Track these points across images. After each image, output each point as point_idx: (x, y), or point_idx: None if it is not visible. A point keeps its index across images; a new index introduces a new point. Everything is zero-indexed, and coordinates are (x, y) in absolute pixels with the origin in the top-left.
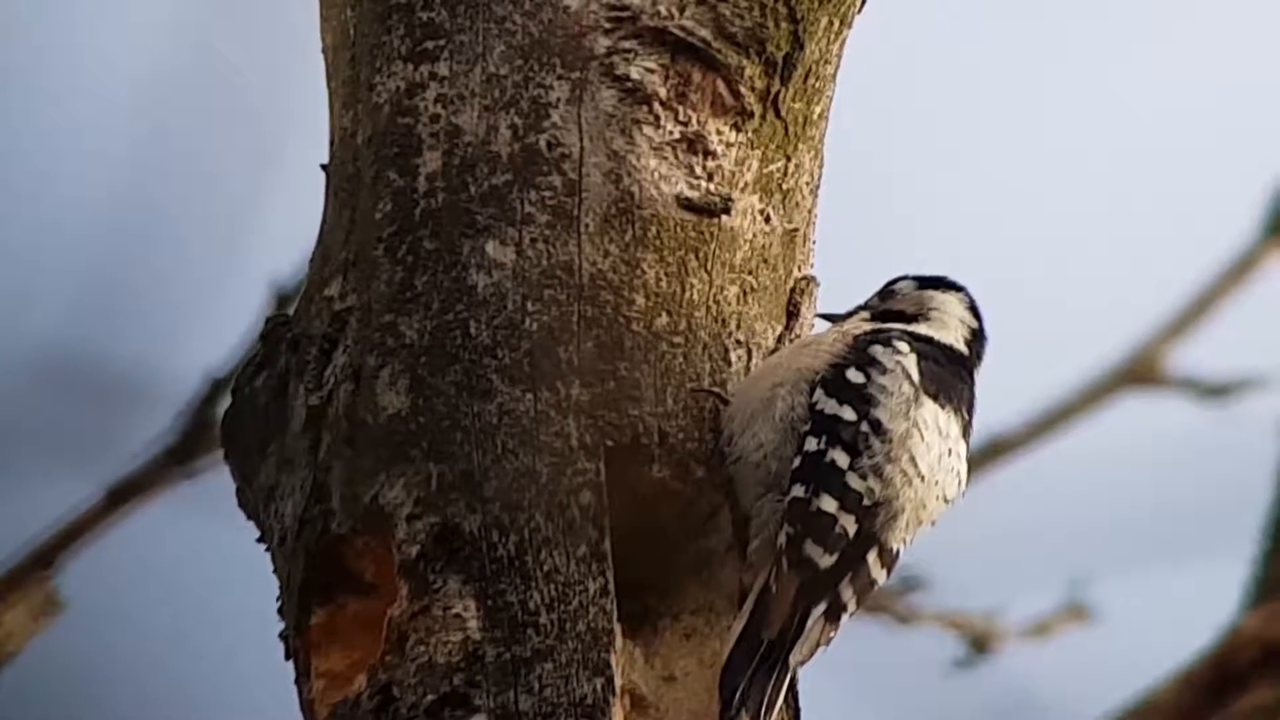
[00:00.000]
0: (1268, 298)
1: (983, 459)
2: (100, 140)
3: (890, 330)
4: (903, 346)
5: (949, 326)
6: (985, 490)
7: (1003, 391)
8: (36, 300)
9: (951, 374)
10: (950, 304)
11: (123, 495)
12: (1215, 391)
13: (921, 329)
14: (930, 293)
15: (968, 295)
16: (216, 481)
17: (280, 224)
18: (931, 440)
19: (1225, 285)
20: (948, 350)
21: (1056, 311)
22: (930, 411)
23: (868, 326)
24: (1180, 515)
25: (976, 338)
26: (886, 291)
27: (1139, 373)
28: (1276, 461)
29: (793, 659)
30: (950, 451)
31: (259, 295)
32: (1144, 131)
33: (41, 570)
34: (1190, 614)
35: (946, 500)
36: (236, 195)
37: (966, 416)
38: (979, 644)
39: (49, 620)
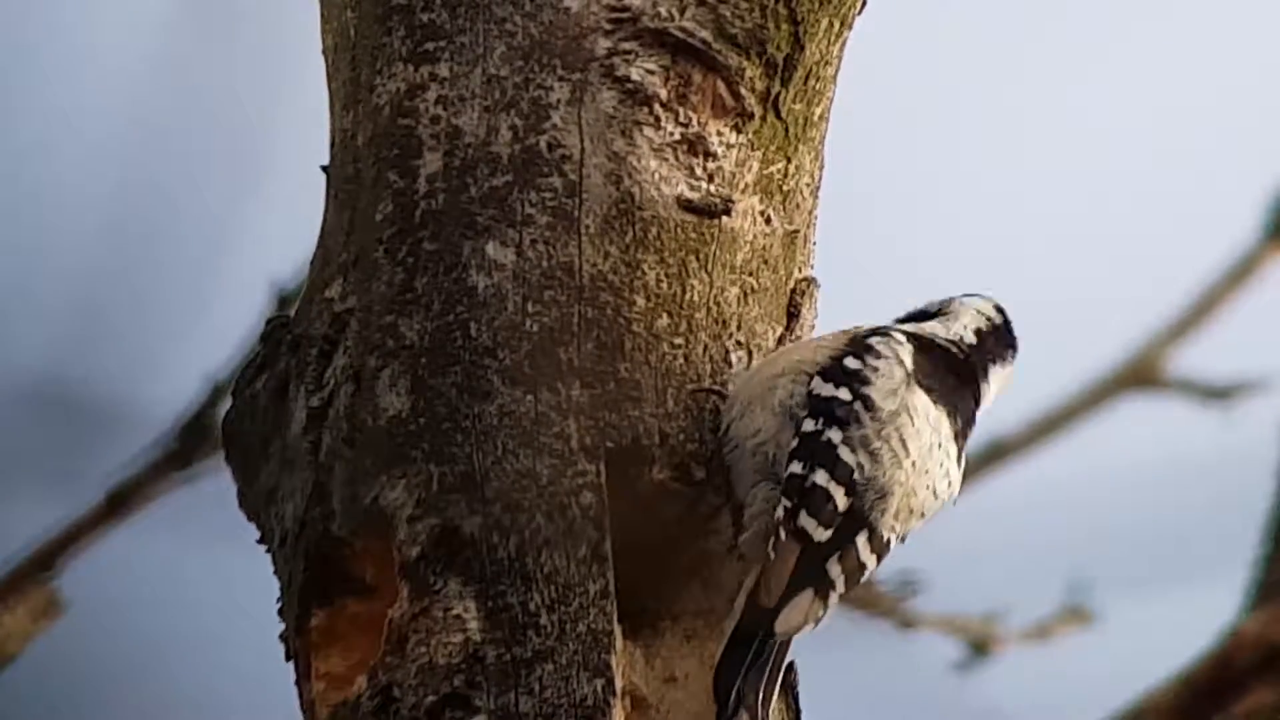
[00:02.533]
0: (1269, 300)
1: (983, 462)
2: (95, 143)
3: (890, 327)
4: (900, 337)
5: (961, 318)
6: (985, 493)
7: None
8: (29, 309)
9: (953, 383)
10: (973, 301)
11: (122, 498)
12: (1216, 394)
13: (929, 325)
14: (962, 296)
15: (999, 304)
16: (216, 485)
17: (278, 227)
18: (921, 427)
19: (1226, 287)
20: (949, 355)
21: (1057, 314)
22: (921, 400)
23: (871, 325)
24: (1181, 518)
25: (995, 330)
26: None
27: (1140, 375)
28: (1278, 464)
29: (779, 627)
30: (940, 446)
31: (256, 300)
32: (1145, 133)
33: (42, 573)
34: (1191, 617)
35: (936, 495)
36: (234, 198)
37: (960, 424)
38: (979, 648)
39: (49, 622)
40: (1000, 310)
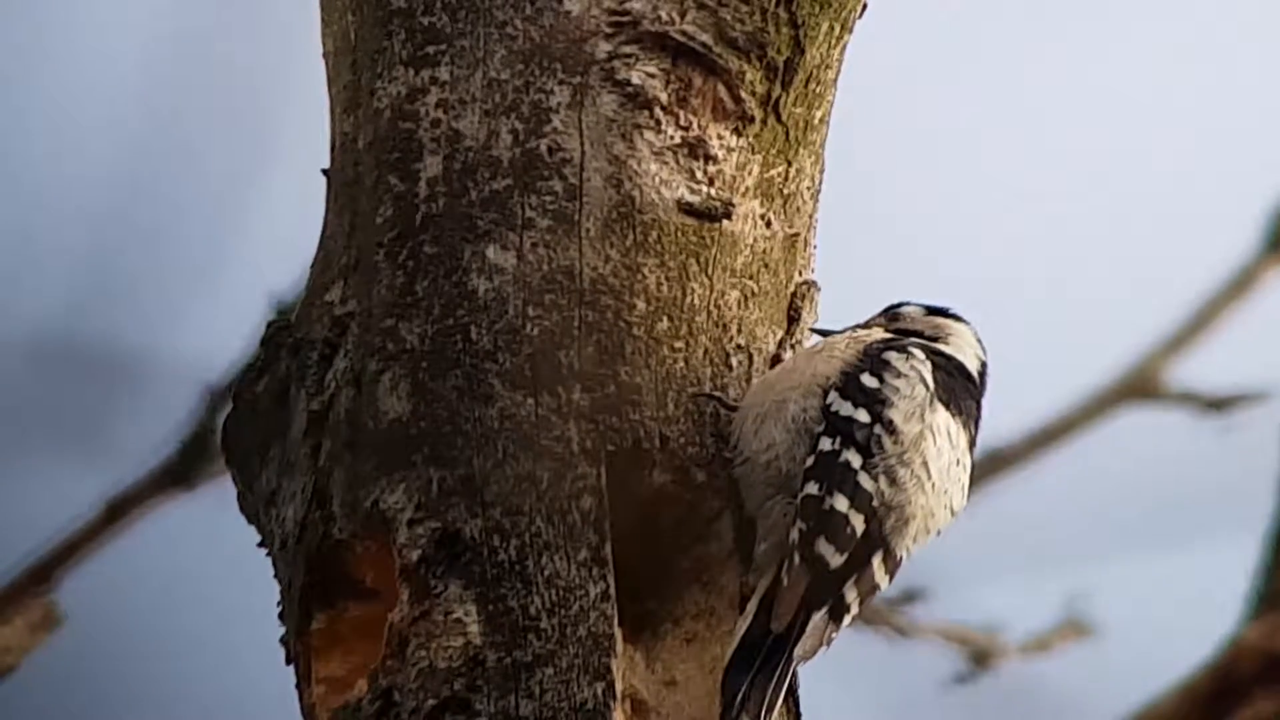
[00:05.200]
0: (1268, 312)
1: (983, 472)
2: (97, 137)
3: (906, 340)
4: (919, 354)
5: (965, 354)
6: (985, 504)
7: (1003, 405)
8: (33, 292)
9: (963, 389)
10: (965, 334)
11: (121, 509)
12: (1215, 405)
13: (942, 348)
14: (943, 320)
15: (974, 329)
16: (214, 495)
17: (277, 225)
18: (943, 446)
19: (1225, 299)
20: (962, 368)
21: (1056, 324)
22: (943, 419)
23: (881, 335)
24: (1180, 528)
25: (984, 371)
26: (892, 314)
27: (1139, 387)
28: (1278, 473)
29: (795, 652)
30: (958, 462)
31: (255, 293)
32: (1144, 145)
33: (40, 584)
34: (1190, 626)
35: (952, 512)
36: (232, 195)
37: (974, 432)
38: (979, 659)
39: (47, 634)
40: (982, 345)
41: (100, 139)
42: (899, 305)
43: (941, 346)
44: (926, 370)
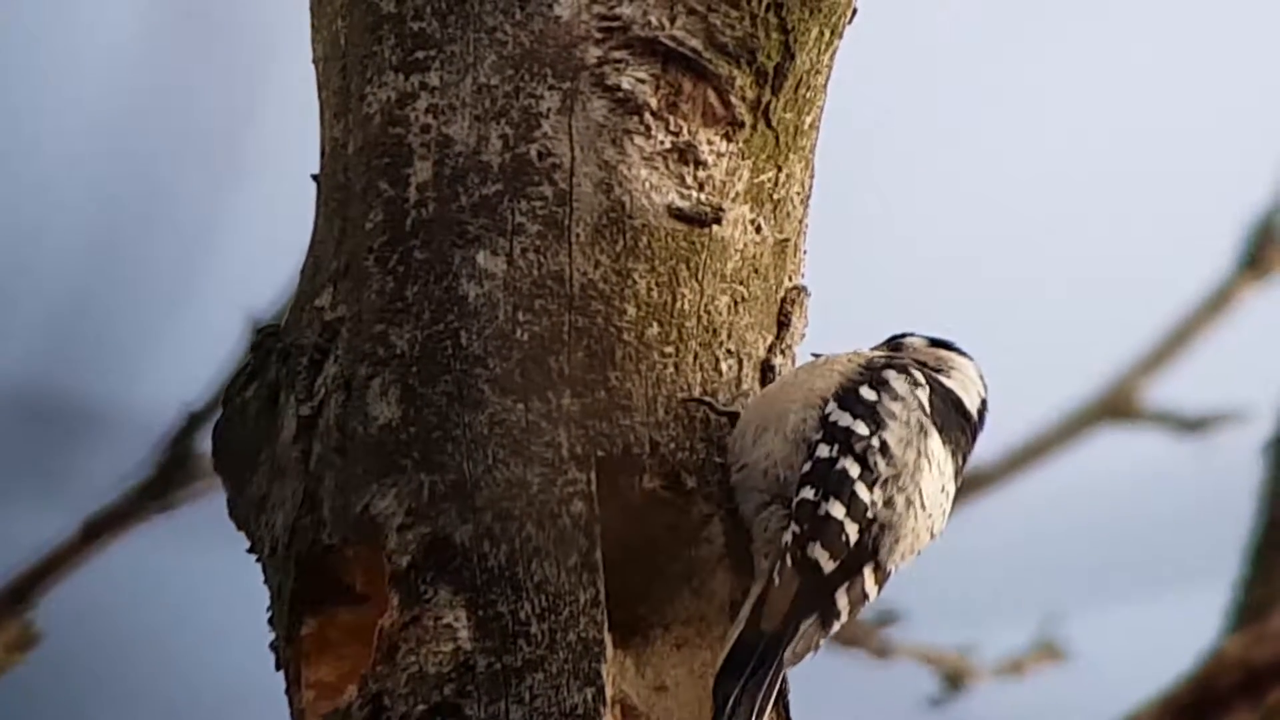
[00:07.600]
0: (1244, 330)
1: (959, 491)
2: (66, 166)
3: (907, 362)
4: (919, 376)
5: (968, 390)
6: (961, 523)
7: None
8: (9, 316)
9: (955, 421)
10: (968, 369)
11: (98, 528)
12: (1192, 425)
13: (943, 380)
14: (946, 353)
15: (976, 365)
16: (193, 514)
17: (250, 249)
18: (935, 473)
19: (1202, 318)
20: (958, 403)
21: (1033, 343)
22: (936, 444)
23: (883, 355)
24: (1157, 548)
25: (984, 408)
26: (895, 344)
27: (1116, 406)
28: (1256, 490)
29: (787, 656)
30: (943, 489)
31: (229, 322)
32: (1120, 163)
33: (17, 604)
34: (1167, 647)
35: (933, 535)
36: (204, 220)
37: (960, 462)
38: (954, 680)
39: (23, 653)
40: (983, 381)
41: (68, 172)
42: (902, 335)
43: (943, 379)
44: (924, 394)
